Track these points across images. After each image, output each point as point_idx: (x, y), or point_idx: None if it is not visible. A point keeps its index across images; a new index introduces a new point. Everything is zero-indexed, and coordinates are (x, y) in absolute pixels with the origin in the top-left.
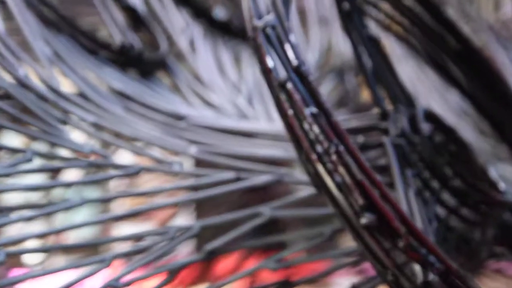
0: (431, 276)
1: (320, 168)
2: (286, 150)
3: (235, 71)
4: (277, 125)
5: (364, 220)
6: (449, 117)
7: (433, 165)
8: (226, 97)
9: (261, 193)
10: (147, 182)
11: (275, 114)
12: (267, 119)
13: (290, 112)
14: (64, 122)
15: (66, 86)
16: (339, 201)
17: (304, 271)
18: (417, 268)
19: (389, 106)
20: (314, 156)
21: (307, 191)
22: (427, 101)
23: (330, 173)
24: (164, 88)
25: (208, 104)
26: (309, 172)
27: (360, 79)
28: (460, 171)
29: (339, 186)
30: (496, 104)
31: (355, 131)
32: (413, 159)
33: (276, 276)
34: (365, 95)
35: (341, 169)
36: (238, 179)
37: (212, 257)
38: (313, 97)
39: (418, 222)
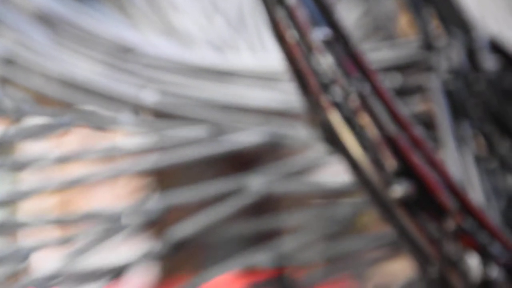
0: (494, 272)
1: (335, 116)
2: (282, 95)
3: None
4: (270, 59)
5: (397, 190)
6: None
7: (501, 117)
8: (195, 20)
9: (247, 159)
10: (72, 143)
11: (269, 42)
12: (256, 51)
13: (291, 35)
14: None
15: None
16: (362, 164)
17: None
18: (473, 260)
19: (437, 33)
20: (326, 100)
21: (314, 154)
22: (497, 26)
23: (349, 123)
24: (106, 9)
25: (169, 30)
26: (318, 124)
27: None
28: None
29: (362, 142)
30: None
31: (387, 66)
32: (472, 108)
33: None
34: (405, 22)
35: (365, 119)
36: (212, 138)
37: (177, 250)
38: (325, 13)
39: (478, 196)
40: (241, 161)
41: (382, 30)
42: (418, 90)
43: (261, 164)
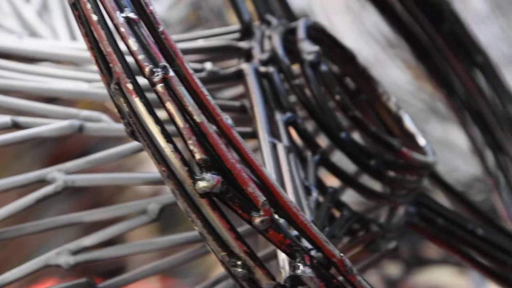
0: (303, 267)
1: (139, 104)
2: (87, 83)
3: None
4: (76, 46)
5: (203, 183)
6: (363, 46)
7: (316, 107)
8: None
9: (56, 150)
10: None
11: (76, 29)
12: (61, 38)
13: (94, 18)
14: None
15: None
16: (166, 155)
17: None
18: (281, 255)
19: (254, 20)
20: (129, 85)
21: (127, 145)
22: (329, 20)
23: (154, 112)
24: None
25: None
26: (121, 110)
27: None
28: (359, 117)
29: (166, 131)
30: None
31: (202, 53)
32: (287, 97)
33: None
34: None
35: (170, 106)
36: (15, 127)
37: None
38: None
39: (289, 191)
40: (48, 153)
41: (211, 22)
42: (233, 78)
43: (69, 155)
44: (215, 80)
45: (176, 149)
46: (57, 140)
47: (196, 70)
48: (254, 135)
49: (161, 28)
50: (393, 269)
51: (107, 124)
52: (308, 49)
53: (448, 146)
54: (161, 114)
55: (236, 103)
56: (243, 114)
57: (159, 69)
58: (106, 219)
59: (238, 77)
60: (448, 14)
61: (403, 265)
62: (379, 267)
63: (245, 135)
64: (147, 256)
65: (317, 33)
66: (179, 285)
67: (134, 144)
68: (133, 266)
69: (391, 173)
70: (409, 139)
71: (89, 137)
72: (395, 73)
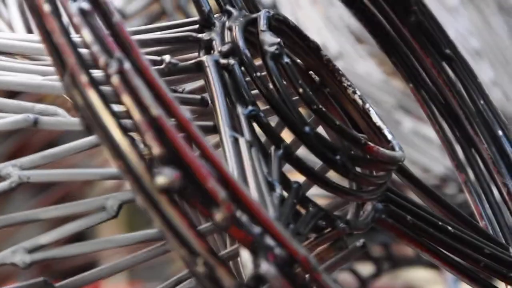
0: (265, 265)
1: (94, 97)
2: (43, 76)
3: None
4: (30, 38)
5: (161, 178)
6: (331, 41)
7: (281, 101)
8: None
9: (16, 146)
10: None
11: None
12: (16, 31)
13: (47, 8)
14: None
15: None
16: (123, 149)
17: None
18: (244, 253)
19: (215, 12)
20: (83, 78)
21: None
22: (296, 14)
23: (109, 105)
24: None
25: None
26: (76, 103)
27: None
28: (323, 111)
29: (122, 125)
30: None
31: (160, 45)
32: (247, 89)
33: None
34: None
35: (126, 98)
36: None
37: None
38: None
39: (252, 186)
40: (8, 149)
41: (174, 14)
42: (192, 71)
43: (26, 150)
44: (174, 73)
45: (133, 144)
46: (18, 136)
47: (155, 63)
48: (215, 129)
49: (116, 19)
50: (367, 267)
51: (63, 118)
52: (270, 40)
53: (421, 141)
54: (120, 108)
55: (197, 97)
56: (204, 108)
57: (114, 61)
58: (64, 216)
59: (198, 69)
60: (416, 6)
61: (377, 263)
62: (352, 266)
63: (206, 130)
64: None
65: (280, 24)
66: None
67: (92, 138)
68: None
69: (358, 169)
70: (376, 134)
71: (52, 132)
72: (365, 69)
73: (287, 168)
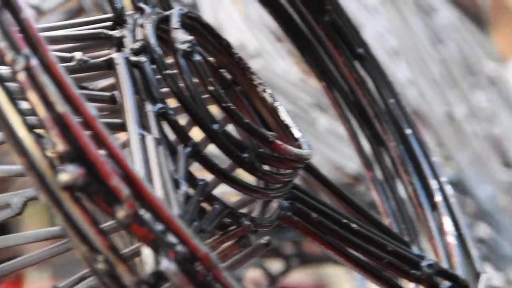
0: (167, 262)
1: None
2: None
3: None
4: None
5: (65, 176)
6: (250, 39)
7: (191, 98)
8: None
9: None
10: None
11: None
12: None
13: None
14: None
15: None
16: (27, 146)
17: None
18: (145, 250)
19: (128, 9)
20: None
21: None
22: (215, 13)
23: (15, 101)
24: None
25: None
26: None
27: None
28: (232, 108)
29: (27, 122)
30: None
31: (71, 42)
32: (158, 88)
33: None
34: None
35: (32, 95)
36: None
37: None
38: None
39: (158, 184)
40: None
41: (92, 11)
42: (103, 68)
43: None
44: (85, 70)
45: (37, 141)
46: None
47: (65, 60)
48: (124, 127)
49: (24, 15)
50: (277, 264)
51: None
52: (182, 38)
53: (336, 139)
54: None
55: (106, 94)
56: (114, 105)
57: (21, 57)
58: None
59: (109, 67)
60: (330, 5)
61: (287, 260)
62: (262, 263)
63: (114, 127)
64: None
65: (192, 22)
66: None
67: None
68: None
69: (265, 166)
70: (284, 131)
71: None
72: (283, 67)
73: (199, 166)
